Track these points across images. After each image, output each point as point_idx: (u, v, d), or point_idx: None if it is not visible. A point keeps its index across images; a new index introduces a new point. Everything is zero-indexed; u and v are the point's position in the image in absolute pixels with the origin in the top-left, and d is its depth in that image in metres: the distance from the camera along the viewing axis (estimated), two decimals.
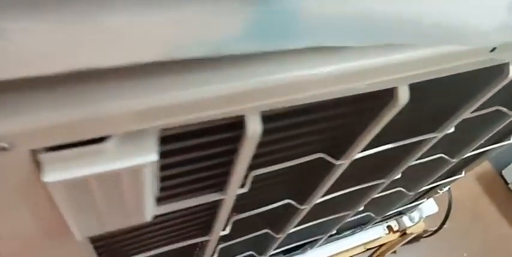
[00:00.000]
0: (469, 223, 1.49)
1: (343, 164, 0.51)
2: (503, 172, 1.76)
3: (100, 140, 0.27)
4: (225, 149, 0.37)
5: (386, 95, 0.38)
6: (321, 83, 0.31)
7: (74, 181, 0.27)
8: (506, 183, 1.74)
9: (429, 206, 1.28)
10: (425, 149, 0.61)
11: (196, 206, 0.47)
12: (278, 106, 0.31)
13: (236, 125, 0.33)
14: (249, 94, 0.28)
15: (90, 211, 0.32)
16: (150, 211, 0.37)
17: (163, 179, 0.38)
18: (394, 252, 1.26)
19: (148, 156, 0.28)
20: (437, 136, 0.57)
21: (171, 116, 0.27)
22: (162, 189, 0.39)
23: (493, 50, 0.38)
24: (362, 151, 0.50)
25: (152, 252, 0.55)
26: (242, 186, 0.44)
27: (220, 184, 0.43)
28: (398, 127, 0.48)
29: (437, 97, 0.51)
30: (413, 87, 0.38)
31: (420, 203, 1.23)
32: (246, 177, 0.46)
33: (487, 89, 0.46)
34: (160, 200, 0.42)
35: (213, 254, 0.70)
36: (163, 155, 0.31)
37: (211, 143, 0.35)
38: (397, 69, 0.34)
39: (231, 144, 0.36)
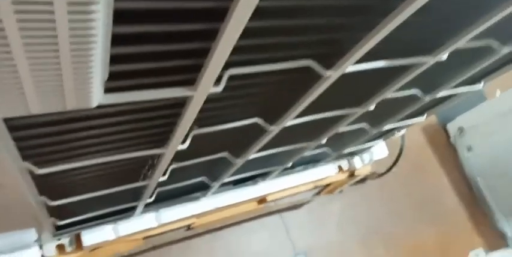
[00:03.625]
0: (412, 170, 1.54)
1: (330, 77, 0.44)
2: (448, 126, 1.83)
3: None
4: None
5: None
6: None
7: None
8: (449, 136, 1.82)
9: (380, 150, 1.29)
10: (410, 77, 0.56)
11: (155, 104, 0.39)
12: None
13: None
14: None
15: (6, 71, 0.22)
16: (96, 94, 0.28)
17: (116, 58, 0.29)
18: (341, 191, 1.28)
19: None
20: (429, 61, 0.52)
21: None
22: (113, 74, 0.30)
23: None
24: (355, 63, 0.43)
25: (92, 161, 0.47)
26: (217, 82, 0.36)
27: (191, 78, 0.35)
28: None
29: None
30: None
31: (372, 146, 1.23)
32: (220, 77, 0.38)
33: None
34: (110, 91, 0.33)
35: (164, 174, 0.63)
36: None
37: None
38: None
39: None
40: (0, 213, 0.55)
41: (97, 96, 0.28)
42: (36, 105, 0.25)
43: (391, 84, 0.57)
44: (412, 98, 0.72)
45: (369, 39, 0.38)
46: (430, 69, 0.56)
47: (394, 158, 1.32)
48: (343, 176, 1.25)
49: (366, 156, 1.27)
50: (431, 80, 0.68)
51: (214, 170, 0.80)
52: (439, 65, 0.56)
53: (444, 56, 0.52)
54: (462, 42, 0.50)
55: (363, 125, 0.84)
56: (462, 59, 0.61)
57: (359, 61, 0.44)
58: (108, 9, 0.21)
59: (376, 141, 1.12)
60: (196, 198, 0.97)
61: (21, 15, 0.18)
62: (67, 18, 0.19)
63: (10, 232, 0.68)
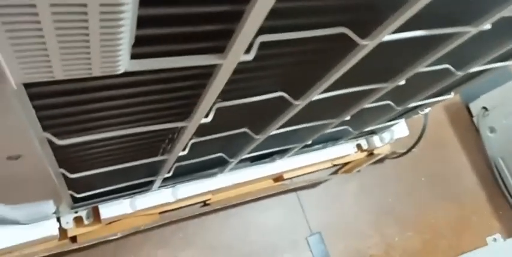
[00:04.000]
0: (431, 149, 1.50)
1: (367, 46, 0.41)
2: (470, 105, 1.77)
3: None
4: None
5: None
6: None
7: None
8: (471, 115, 1.77)
9: (401, 129, 1.25)
10: (448, 49, 0.52)
11: (180, 73, 0.37)
12: None
13: None
14: None
15: (31, 33, 0.20)
16: (123, 59, 0.26)
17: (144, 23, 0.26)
18: (359, 171, 1.25)
19: None
20: (471, 31, 0.48)
21: None
22: (139, 39, 0.28)
23: None
24: (393, 32, 0.40)
25: (112, 133, 0.45)
26: (248, 51, 0.33)
27: (221, 45, 0.32)
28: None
29: None
30: None
31: (393, 125, 1.20)
32: (251, 44, 0.35)
33: None
34: (135, 57, 0.30)
35: (184, 149, 0.61)
36: None
37: None
38: None
39: None
40: (19, 184, 0.54)
41: (124, 63, 0.26)
42: (60, 70, 0.23)
43: (427, 57, 0.54)
44: (444, 73, 0.69)
45: (411, 5, 0.35)
46: (467, 41, 0.53)
47: (414, 137, 1.29)
48: (362, 155, 1.23)
49: (386, 135, 1.24)
50: (465, 54, 0.64)
51: (233, 146, 0.78)
52: (476, 37, 0.52)
53: (487, 26, 0.49)
54: (508, 11, 0.46)
55: (388, 102, 0.81)
56: (503, 30, 0.57)
57: (397, 30, 0.41)
58: None
59: (398, 119, 1.09)
60: (213, 174, 0.96)
61: None
62: None
63: (28, 203, 0.68)
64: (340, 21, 0.39)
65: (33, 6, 0.18)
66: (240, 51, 0.32)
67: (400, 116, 1.03)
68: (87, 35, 0.21)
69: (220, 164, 0.91)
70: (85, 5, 0.19)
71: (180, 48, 0.33)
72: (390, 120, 1.05)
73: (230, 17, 0.30)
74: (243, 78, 0.45)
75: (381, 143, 1.22)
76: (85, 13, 0.20)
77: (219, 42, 0.33)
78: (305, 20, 0.37)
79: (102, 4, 0.20)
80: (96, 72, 0.25)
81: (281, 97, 0.54)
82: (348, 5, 0.38)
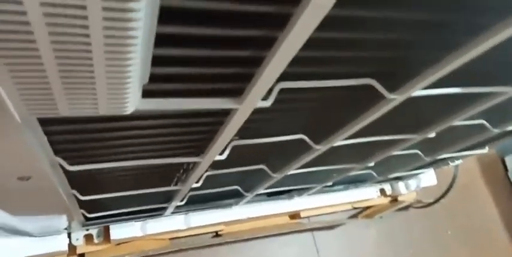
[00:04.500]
0: (460, 201, 1.43)
1: (395, 100, 0.39)
2: (506, 159, 1.69)
3: None
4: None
5: None
6: None
7: None
8: (506, 169, 1.68)
9: (429, 177, 1.20)
10: (483, 107, 0.50)
11: (197, 113, 0.36)
12: None
13: None
14: None
15: (33, 68, 0.20)
16: (132, 100, 0.25)
17: (159, 60, 0.26)
18: (381, 217, 1.20)
19: None
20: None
21: None
22: (154, 77, 0.27)
23: None
24: (425, 88, 0.38)
25: (124, 163, 0.45)
26: (266, 97, 0.32)
27: (239, 88, 0.32)
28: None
29: None
30: None
31: (421, 173, 1.15)
32: (271, 89, 0.34)
33: None
34: (148, 94, 0.30)
35: (197, 181, 0.60)
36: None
37: None
38: None
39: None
40: (31, 199, 0.55)
41: (133, 102, 0.25)
42: (65, 108, 0.23)
43: (461, 113, 0.51)
44: (479, 129, 0.65)
45: (447, 63, 0.33)
46: (506, 100, 0.50)
47: (442, 187, 1.23)
48: (385, 200, 1.18)
49: (412, 182, 1.18)
50: (503, 111, 0.61)
51: (250, 181, 0.77)
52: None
53: None
54: None
55: (416, 151, 0.77)
56: None
57: (429, 86, 0.39)
58: (152, 9, 0.18)
59: (426, 169, 1.04)
60: (228, 205, 0.94)
61: (50, 18, 0.15)
62: (101, 26, 0.16)
63: (40, 216, 0.68)
64: (368, 72, 0.37)
65: (31, 33, 0.17)
66: (257, 97, 0.31)
67: (428, 165, 0.99)
68: (91, 71, 0.21)
69: (235, 196, 0.90)
70: (87, 35, 0.18)
71: (195, 88, 0.32)
72: (417, 169, 1.01)
73: (250, 61, 0.30)
74: (262, 119, 0.44)
75: (406, 190, 1.17)
76: (88, 43, 0.19)
77: (237, 84, 0.32)
78: (331, 68, 0.35)
79: (107, 42, 0.19)
80: (103, 111, 0.24)
81: (301, 139, 0.53)
82: (379, 57, 0.37)
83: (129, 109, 0.25)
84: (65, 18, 0.15)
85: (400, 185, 1.18)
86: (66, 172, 0.44)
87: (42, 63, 0.18)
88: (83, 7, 0.15)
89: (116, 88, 0.22)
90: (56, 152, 0.39)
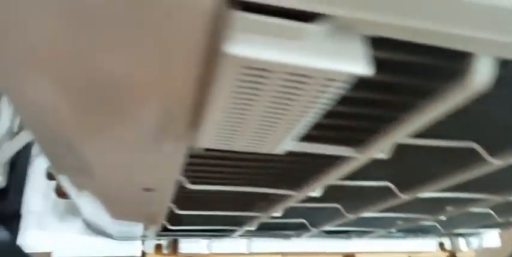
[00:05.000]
0: None
1: (493, 164, 0.42)
2: None
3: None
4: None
5: None
6: None
7: (257, 63, 0.20)
8: None
9: (492, 238, 1.16)
10: None
11: (320, 155, 0.41)
12: None
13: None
14: None
15: (237, 115, 0.26)
16: (286, 141, 0.31)
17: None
18: None
19: (363, 66, 0.21)
20: None
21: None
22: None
23: None
24: None
25: (232, 188, 0.51)
26: (383, 150, 0.37)
27: (361, 139, 0.36)
28: None
29: None
30: None
31: (485, 232, 1.12)
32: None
33: None
34: None
35: (278, 211, 0.65)
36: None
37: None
38: None
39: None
40: (133, 205, 0.62)
41: (285, 143, 0.31)
42: (239, 144, 0.29)
43: None
44: None
45: None
46: None
47: (505, 250, 1.18)
48: (442, 255, 1.15)
49: (473, 240, 1.15)
50: None
51: (319, 216, 0.80)
52: None
53: None
54: None
55: (489, 210, 0.77)
56: None
57: None
58: None
59: (492, 228, 1.02)
60: (288, 236, 0.97)
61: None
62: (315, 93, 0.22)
63: (129, 221, 0.75)
64: (472, 137, 0.41)
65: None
66: (378, 149, 0.36)
67: (497, 226, 0.97)
68: (280, 120, 0.26)
69: (299, 228, 0.93)
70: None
71: (321, 135, 0.37)
72: (483, 227, 0.99)
73: (385, 120, 0.34)
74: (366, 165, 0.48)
75: (467, 247, 1.14)
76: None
77: (362, 136, 0.37)
78: (444, 131, 0.39)
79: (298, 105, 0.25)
80: (263, 150, 0.30)
81: (386, 186, 0.56)
82: (485, 125, 0.40)
83: (278, 149, 0.31)
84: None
85: (461, 241, 1.16)
86: (182, 188, 0.50)
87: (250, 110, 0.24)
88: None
89: (287, 134, 0.28)
90: (181, 172, 0.45)
